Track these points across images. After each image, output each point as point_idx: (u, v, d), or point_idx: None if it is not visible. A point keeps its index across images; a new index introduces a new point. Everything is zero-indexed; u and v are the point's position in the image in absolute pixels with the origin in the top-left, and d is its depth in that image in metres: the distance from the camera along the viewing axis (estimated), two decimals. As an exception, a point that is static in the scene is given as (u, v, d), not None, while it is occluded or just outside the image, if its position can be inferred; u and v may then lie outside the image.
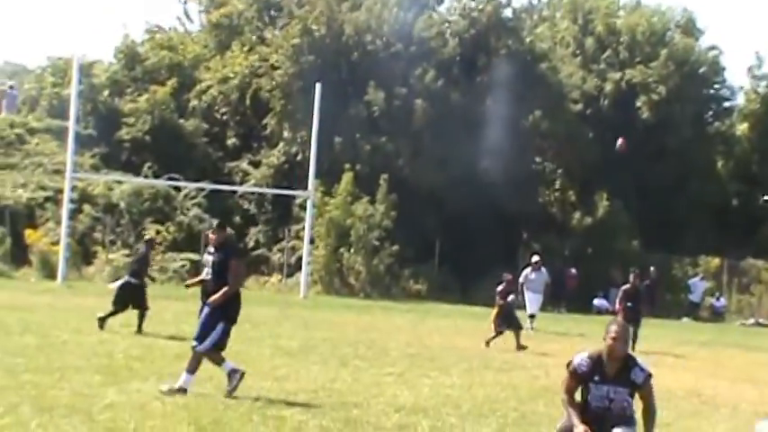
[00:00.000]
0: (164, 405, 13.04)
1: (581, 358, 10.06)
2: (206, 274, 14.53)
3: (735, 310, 48.62)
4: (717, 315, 47.13)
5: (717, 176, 57.94)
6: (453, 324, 31.09)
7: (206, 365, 15.66)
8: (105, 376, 15.08)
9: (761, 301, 49.80)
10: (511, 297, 25.11)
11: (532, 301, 31.44)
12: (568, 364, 10.09)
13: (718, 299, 48.38)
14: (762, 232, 55.42)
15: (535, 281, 31.52)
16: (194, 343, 14.22)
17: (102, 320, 21.78)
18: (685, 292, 47.85)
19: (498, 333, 24.51)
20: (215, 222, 16.46)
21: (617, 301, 27.27)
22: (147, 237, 25.87)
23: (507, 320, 24.79)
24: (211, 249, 14.80)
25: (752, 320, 46.26)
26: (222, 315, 14.17)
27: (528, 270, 31.83)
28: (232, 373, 14.21)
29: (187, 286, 15.70)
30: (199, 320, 14.31)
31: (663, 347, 28.25)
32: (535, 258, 32.21)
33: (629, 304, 26.38)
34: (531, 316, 31.05)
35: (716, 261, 50.47)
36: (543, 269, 32.03)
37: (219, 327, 14.17)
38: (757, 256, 51.39)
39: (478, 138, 44.22)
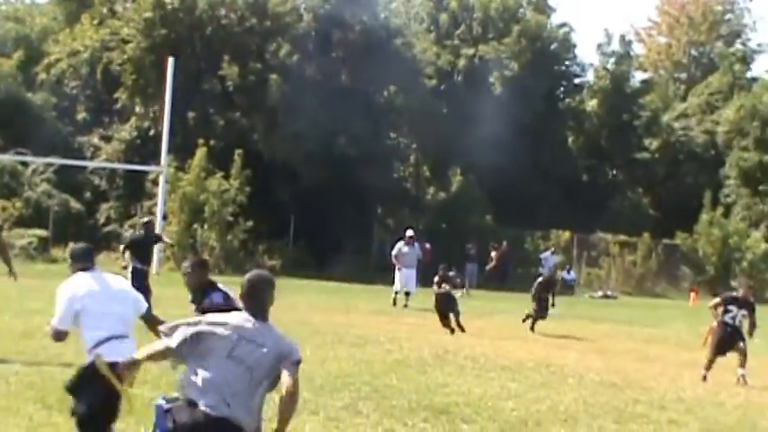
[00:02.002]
0: (8, 384, 12.76)
1: None
2: None
3: (584, 283, 49.56)
4: (567, 288, 47.86)
5: (567, 152, 59.01)
6: (308, 299, 30.96)
7: (54, 345, 15.28)
8: (-53, 356, 14.67)
9: (609, 273, 50.91)
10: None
11: (408, 277, 31.14)
12: None
13: (568, 272, 49.21)
14: (610, 206, 56.65)
15: (408, 255, 31.42)
16: None
17: None
18: (537, 266, 48.56)
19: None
20: None
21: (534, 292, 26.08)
22: (144, 219, 24.57)
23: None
24: None
25: (600, 293, 47.23)
26: None
27: (401, 244, 31.72)
28: None
29: None
30: None
31: (514, 320, 28.63)
32: (409, 233, 32.12)
33: (541, 296, 25.59)
34: (407, 293, 30.75)
35: (566, 235, 51.35)
36: (416, 244, 32.02)
37: None
38: (606, 230, 52.50)
39: (334, 113, 44.13)
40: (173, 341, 7.35)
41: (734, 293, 19.66)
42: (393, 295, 30.90)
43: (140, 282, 20.69)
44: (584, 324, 29.12)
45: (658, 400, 15.37)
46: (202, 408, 6.97)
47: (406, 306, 30.25)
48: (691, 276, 51.18)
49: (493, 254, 46.83)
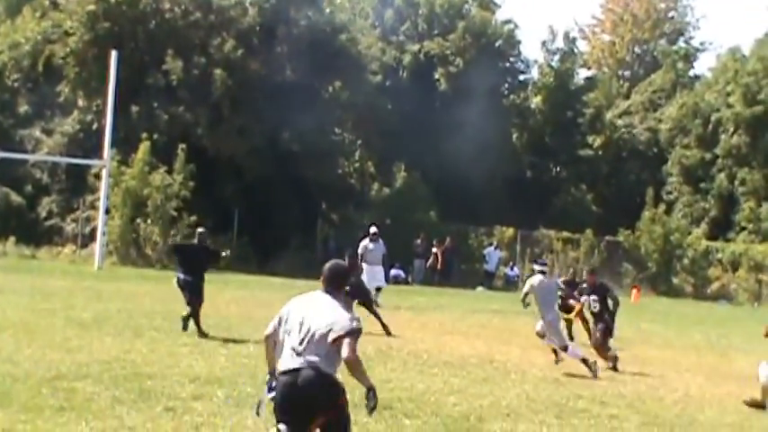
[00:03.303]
0: (-53, 379, 12.63)
1: None
2: None
3: (527, 279, 49.51)
4: (510, 284, 48.06)
5: (512, 148, 59.28)
6: (251, 295, 30.90)
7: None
8: None
9: (552, 270, 51.08)
10: (583, 298, 20.59)
11: (376, 273, 30.88)
12: None
13: (511, 268, 49.42)
14: (554, 203, 57.01)
15: (374, 252, 31.18)
16: None
17: (185, 320, 19.66)
18: (481, 262, 48.75)
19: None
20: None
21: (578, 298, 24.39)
22: (200, 230, 22.66)
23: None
24: None
25: (544, 289, 47.34)
26: None
27: (366, 241, 31.46)
28: None
29: None
30: None
31: (457, 316, 28.77)
32: (373, 230, 31.78)
33: (569, 302, 23.81)
34: (378, 289, 30.43)
35: (510, 231, 51.51)
36: (381, 241, 31.79)
37: None
38: (549, 227, 52.71)
39: (279, 108, 44.00)
40: (267, 330, 9.04)
41: (583, 284, 20.81)
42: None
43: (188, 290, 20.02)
44: (528, 320, 29.18)
45: (600, 396, 15.51)
46: (288, 367, 8.53)
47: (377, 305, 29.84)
48: (633, 273, 51.54)
49: (434, 249, 46.92)
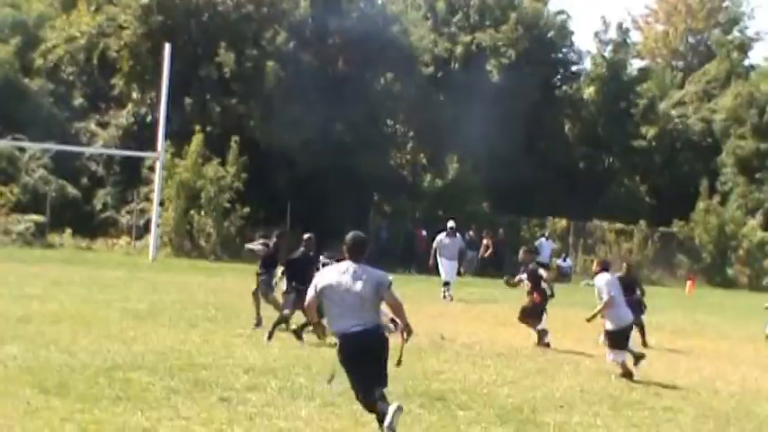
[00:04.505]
0: (6, 368, 12.79)
1: None
2: None
3: (580, 271, 49.31)
4: (563, 275, 47.76)
5: (564, 139, 59.01)
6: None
7: (52, 330, 15.37)
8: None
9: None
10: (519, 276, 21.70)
11: (447, 267, 30.80)
12: None
13: (564, 259, 49.15)
14: (607, 194, 56.66)
15: (449, 247, 31.07)
16: None
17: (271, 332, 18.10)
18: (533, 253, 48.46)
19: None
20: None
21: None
22: (306, 235, 20.66)
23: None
24: None
25: (596, 280, 47.08)
26: None
27: (442, 235, 31.31)
28: None
29: None
30: None
31: (510, 308, 28.65)
32: (450, 224, 31.67)
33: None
34: (446, 283, 30.28)
35: (563, 222, 51.32)
36: (458, 235, 31.64)
37: None
38: (602, 218, 52.45)
39: (330, 100, 44.07)
40: (310, 292, 10.66)
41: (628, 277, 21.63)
42: (442, 288, 30.35)
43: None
44: (581, 311, 29.04)
45: (654, 387, 15.44)
46: (349, 330, 10.23)
47: (446, 297, 29.75)
48: (687, 264, 51.21)
49: (485, 241, 46.73)
